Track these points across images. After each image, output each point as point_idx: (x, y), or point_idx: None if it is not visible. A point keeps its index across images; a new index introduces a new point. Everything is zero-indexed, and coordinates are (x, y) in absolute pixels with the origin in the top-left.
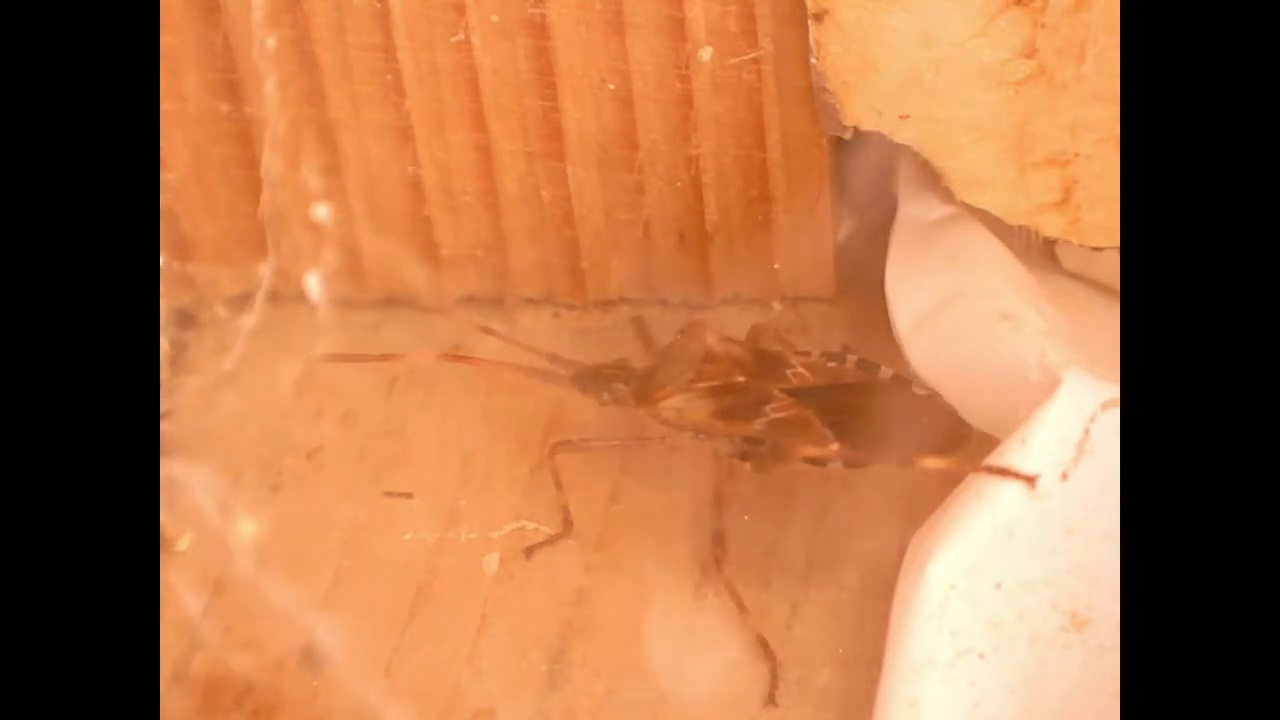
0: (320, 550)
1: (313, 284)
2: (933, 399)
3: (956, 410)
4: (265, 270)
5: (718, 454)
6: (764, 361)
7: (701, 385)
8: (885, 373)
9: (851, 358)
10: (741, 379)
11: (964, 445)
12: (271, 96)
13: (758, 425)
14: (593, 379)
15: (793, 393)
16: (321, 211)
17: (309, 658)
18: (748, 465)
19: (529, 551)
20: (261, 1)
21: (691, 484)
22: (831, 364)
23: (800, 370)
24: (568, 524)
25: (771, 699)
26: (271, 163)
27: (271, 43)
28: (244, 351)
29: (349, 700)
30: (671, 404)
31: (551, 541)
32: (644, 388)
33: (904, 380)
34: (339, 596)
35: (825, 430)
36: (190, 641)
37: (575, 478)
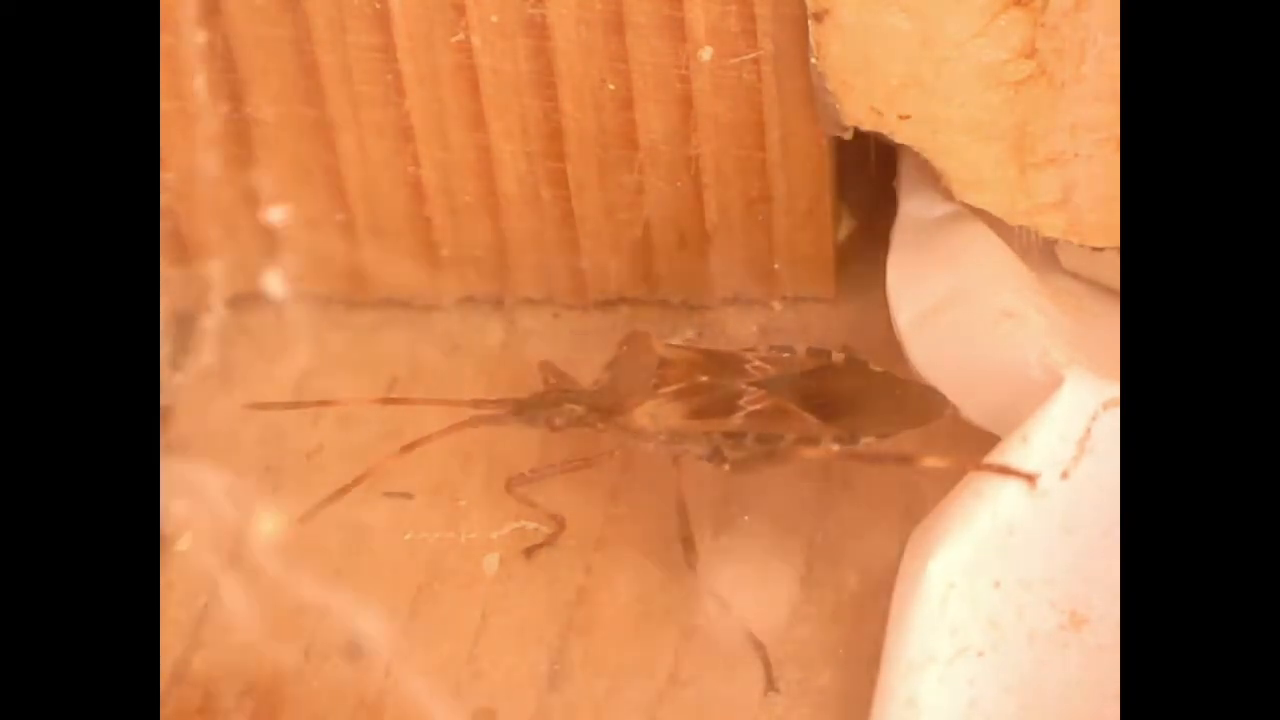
0: (320, 550)
1: (274, 282)
2: (891, 374)
3: (926, 383)
4: (216, 269)
5: (678, 461)
6: (720, 360)
7: (668, 390)
8: (838, 356)
9: (800, 346)
10: (705, 378)
11: (943, 412)
12: (201, 93)
13: (736, 420)
14: (539, 407)
15: (760, 385)
16: (276, 214)
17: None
18: (726, 467)
19: (529, 552)
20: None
21: (690, 484)
22: (785, 355)
23: (759, 364)
24: (559, 521)
25: (772, 685)
26: (206, 163)
27: (201, 38)
28: (221, 354)
29: (350, 699)
30: (644, 411)
31: (550, 540)
32: (608, 402)
33: (859, 361)
34: (339, 596)
35: (807, 415)
36: (190, 641)
37: (575, 478)
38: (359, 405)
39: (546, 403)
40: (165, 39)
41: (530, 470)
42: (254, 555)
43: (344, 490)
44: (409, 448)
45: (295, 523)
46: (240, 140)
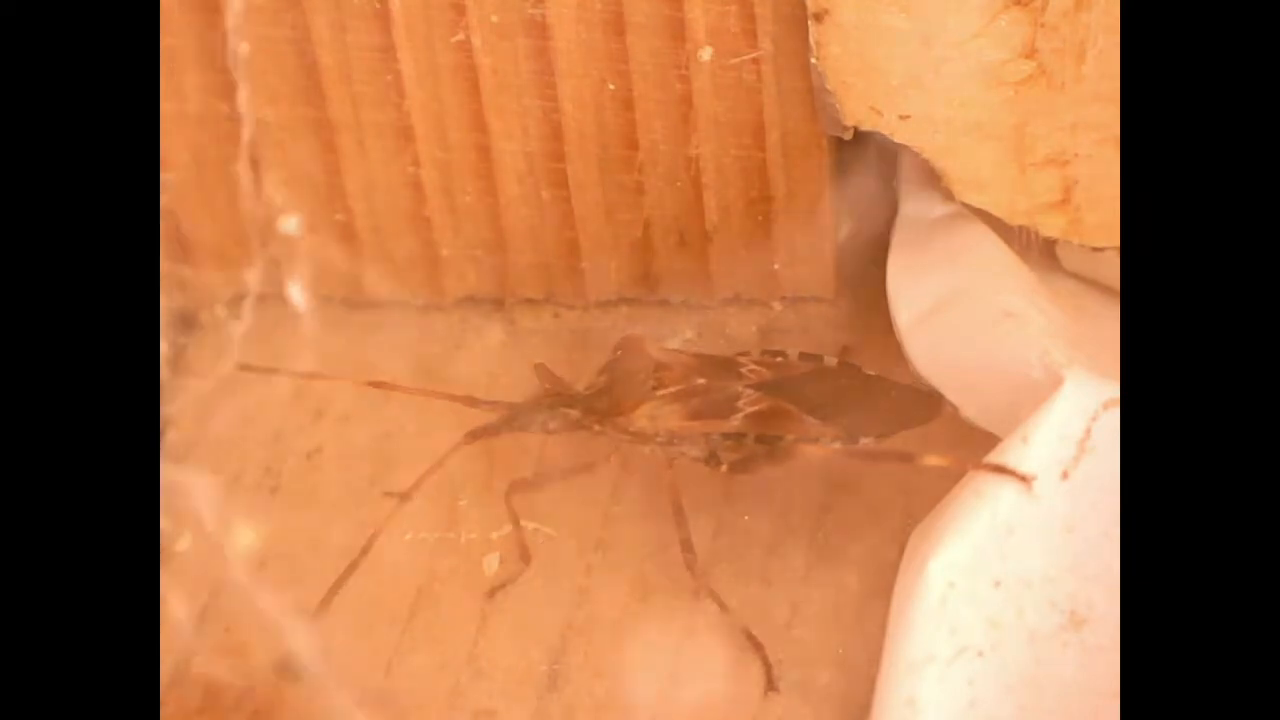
0: (320, 551)
1: (295, 293)
2: (883, 377)
3: (921, 385)
4: (252, 277)
5: (673, 463)
6: (716, 363)
7: (666, 391)
8: (830, 360)
9: (793, 351)
10: (702, 381)
11: (939, 413)
12: (242, 105)
13: (736, 421)
14: (533, 412)
15: (757, 387)
16: (291, 224)
17: (284, 670)
18: (723, 468)
19: (491, 593)
20: (238, 7)
21: (690, 485)
22: (778, 359)
23: (754, 367)
24: (525, 556)
25: (772, 685)
26: (245, 172)
27: (244, 49)
28: (241, 355)
29: (349, 699)
30: (643, 413)
31: (513, 579)
32: (607, 404)
33: (852, 365)
34: (339, 597)
35: (806, 416)
36: (190, 642)
37: (575, 478)
38: (355, 386)
39: (541, 407)
40: (165, 39)
41: (534, 475)
42: (253, 556)
43: (356, 562)
44: (407, 495)
45: (315, 611)
46: (240, 140)
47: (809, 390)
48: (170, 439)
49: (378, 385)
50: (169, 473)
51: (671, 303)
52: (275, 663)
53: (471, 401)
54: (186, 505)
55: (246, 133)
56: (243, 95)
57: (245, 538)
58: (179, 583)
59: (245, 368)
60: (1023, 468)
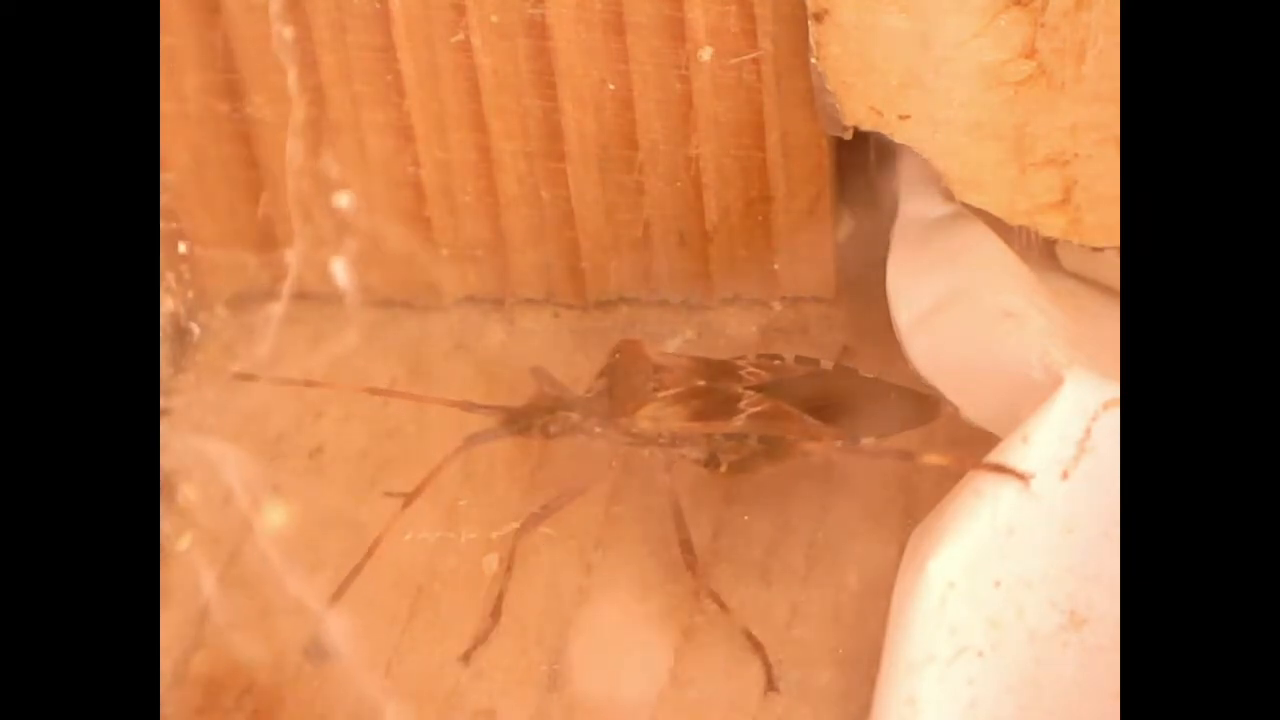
0: (320, 550)
1: (339, 271)
2: (881, 380)
3: (919, 387)
4: (291, 257)
5: (670, 466)
6: (715, 366)
7: (667, 393)
8: (826, 364)
9: (789, 354)
10: (702, 383)
11: (937, 415)
12: (292, 87)
13: (738, 421)
14: (535, 415)
15: (757, 389)
16: (344, 200)
17: (314, 653)
18: (722, 468)
19: (465, 655)
20: None
21: (690, 485)
22: (775, 362)
23: (753, 369)
24: (496, 614)
25: (772, 685)
26: (294, 152)
27: (288, 34)
28: (252, 352)
29: (350, 700)
30: (646, 413)
31: (481, 640)
32: (608, 406)
33: (849, 369)
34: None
35: (808, 417)
36: (190, 641)
37: (575, 476)
38: (349, 392)
39: (540, 410)
40: (165, 39)
41: (542, 508)
42: (254, 555)
43: (359, 566)
44: (409, 501)
45: (326, 603)
46: (240, 140)
47: (809, 391)
48: (170, 438)
49: (375, 392)
50: (176, 456)
51: (671, 303)
52: (305, 647)
53: (470, 406)
54: (190, 492)
55: (299, 113)
56: (291, 77)
57: (276, 517)
58: (179, 581)
59: (241, 376)
60: (1022, 467)
